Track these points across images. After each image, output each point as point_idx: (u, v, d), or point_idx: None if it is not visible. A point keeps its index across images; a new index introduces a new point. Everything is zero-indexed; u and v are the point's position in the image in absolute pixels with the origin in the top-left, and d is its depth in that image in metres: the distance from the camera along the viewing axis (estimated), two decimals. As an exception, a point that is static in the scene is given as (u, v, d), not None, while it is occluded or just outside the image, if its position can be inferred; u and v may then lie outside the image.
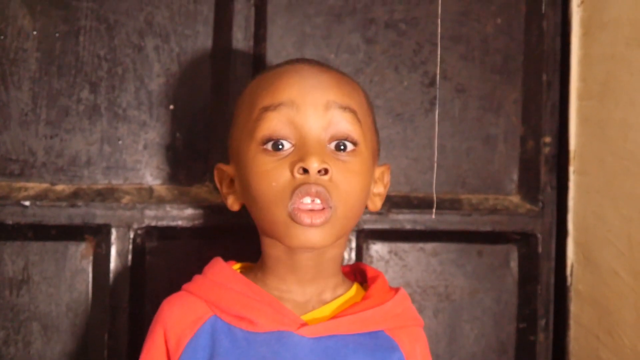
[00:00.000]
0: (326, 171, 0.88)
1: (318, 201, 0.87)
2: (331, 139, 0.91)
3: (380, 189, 1.00)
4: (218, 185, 1.01)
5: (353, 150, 0.91)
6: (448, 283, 1.22)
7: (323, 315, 0.94)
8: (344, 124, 0.91)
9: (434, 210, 1.15)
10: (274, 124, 0.90)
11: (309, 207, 0.87)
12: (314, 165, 0.87)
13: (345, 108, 0.91)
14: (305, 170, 0.87)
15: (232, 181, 0.99)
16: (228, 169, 0.99)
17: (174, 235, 1.16)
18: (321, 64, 0.97)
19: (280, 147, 0.90)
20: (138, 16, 1.16)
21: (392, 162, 1.20)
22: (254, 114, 0.92)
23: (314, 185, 0.87)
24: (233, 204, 0.99)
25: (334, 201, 0.88)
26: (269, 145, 0.90)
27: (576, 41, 1.22)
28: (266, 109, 0.91)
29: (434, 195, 1.15)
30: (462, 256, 1.23)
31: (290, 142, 0.90)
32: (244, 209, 0.98)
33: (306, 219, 0.87)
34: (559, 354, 1.23)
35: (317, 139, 0.90)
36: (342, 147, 0.91)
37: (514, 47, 1.24)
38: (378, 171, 0.99)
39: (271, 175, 0.89)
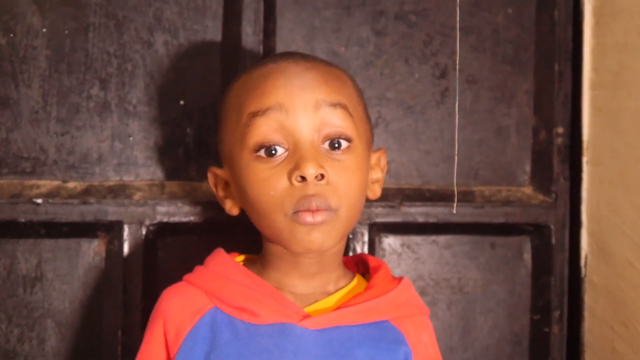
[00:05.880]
0: (322, 176, 0.87)
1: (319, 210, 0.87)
2: (324, 139, 0.89)
3: (378, 175, 0.99)
4: (213, 189, 1.00)
5: (348, 147, 0.90)
6: (461, 275, 1.22)
7: (326, 307, 0.93)
8: (336, 121, 0.90)
9: (454, 204, 1.15)
10: (264, 130, 0.88)
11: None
12: (310, 171, 0.86)
13: (335, 105, 0.90)
14: (303, 177, 0.86)
15: (227, 184, 0.98)
16: (222, 172, 0.98)
17: (186, 231, 1.16)
18: (306, 59, 0.94)
19: (274, 152, 0.88)
20: (147, 12, 1.15)
21: (404, 155, 1.20)
22: (243, 120, 0.90)
23: (314, 199, 0.86)
24: (231, 208, 0.98)
25: (335, 205, 0.88)
26: (262, 152, 0.89)
27: (588, 30, 1.21)
28: (254, 114, 0.89)
29: (455, 189, 1.15)
30: (475, 248, 1.22)
31: (284, 147, 0.89)
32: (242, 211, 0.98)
33: (308, 217, 0.87)
34: (573, 346, 1.23)
35: (310, 141, 0.88)
36: (336, 145, 0.90)
37: (525, 37, 1.23)
38: (374, 157, 0.98)
39: (268, 184, 0.88)
